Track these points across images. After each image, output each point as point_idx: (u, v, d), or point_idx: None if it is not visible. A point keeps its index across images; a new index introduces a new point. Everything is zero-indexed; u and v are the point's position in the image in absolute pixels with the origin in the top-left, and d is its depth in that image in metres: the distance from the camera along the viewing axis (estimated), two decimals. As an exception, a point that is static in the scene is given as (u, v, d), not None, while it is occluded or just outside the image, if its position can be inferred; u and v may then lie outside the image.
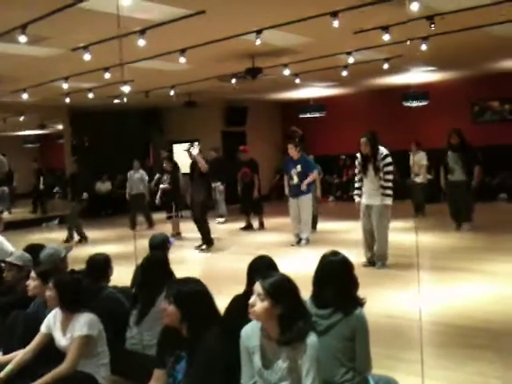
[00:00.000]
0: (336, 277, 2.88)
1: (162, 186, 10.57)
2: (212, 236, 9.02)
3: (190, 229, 10.14)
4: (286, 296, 2.52)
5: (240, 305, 3.20)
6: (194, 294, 2.78)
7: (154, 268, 3.70)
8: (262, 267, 3.16)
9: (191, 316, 2.72)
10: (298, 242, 8.78)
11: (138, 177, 11.61)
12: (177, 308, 2.71)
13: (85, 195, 10.44)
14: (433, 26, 6.60)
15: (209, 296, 2.84)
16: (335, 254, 3.00)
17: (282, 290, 2.53)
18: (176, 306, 2.72)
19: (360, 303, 2.87)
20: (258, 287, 2.54)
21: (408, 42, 7.55)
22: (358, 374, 2.78)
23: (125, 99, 11.29)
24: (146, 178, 11.72)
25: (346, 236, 9.09)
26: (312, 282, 2.96)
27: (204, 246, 8.88)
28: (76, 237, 10.40)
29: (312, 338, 2.51)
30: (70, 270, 4.51)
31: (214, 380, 2.59)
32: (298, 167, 8.76)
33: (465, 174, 9.01)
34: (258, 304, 2.51)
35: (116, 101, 12.58)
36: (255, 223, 10.95)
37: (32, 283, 3.74)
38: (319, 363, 2.50)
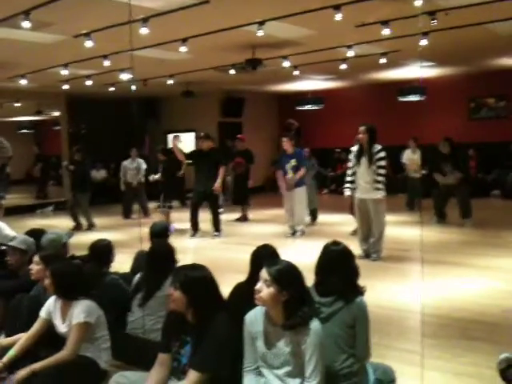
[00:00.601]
0: (338, 266, 2.95)
1: (155, 176, 10.48)
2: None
3: (179, 218, 10.19)
4: (292, 282, 2.60)
5: (242, 292, 3.27)
6: (201, 279, 2.83)
7: (163, 254, 3.76)
8: (265, 255, 3.22)
9: (197, 301, 2.76)
10: (293, 233, 8.86)
11: (135, 166, 11.60)
12: (183, 293, 2.76)
13: (71, 167, 10.43)
14: (434, 21, 6.63)
15: (214, 282, 2.89)
16: (336, 243, 3.08)
17: (287, 276, 2.60)
18: (182, 291, 2.76)
19: (360, 291, 2.95)
20: (264, 273, 2.61)
21: (411, 37, 7.60)
22: (358, 361, 2.86)
23: (133, 87, 11.23)
24: (144, 166, 11.69)
25: (340, 228, 9.16)
26: (314, 271, 3.03)
27: (217, 232, 9.13)
28: (85, 223, 10.38)
29: (315, 324, 2.58)
30: (70, 256, 4.56)
31: (223, 365, 2.65)
32: (293, 161, 8.76)
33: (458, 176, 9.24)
34: (264, 290, 2.58)
35: (112, 89, 12.57)
36: (250, 214, 10.96)
37: (35, 267, 3.77)
38: (322, 348, 2.57)
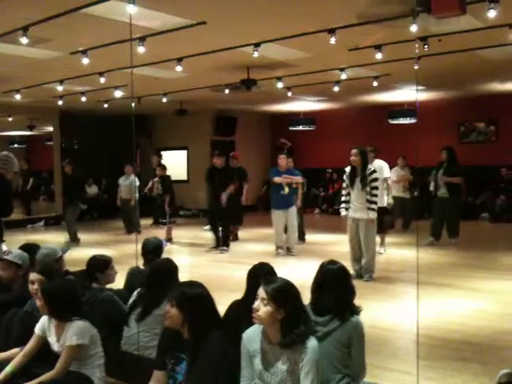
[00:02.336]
0: (334, 285, 2.97)
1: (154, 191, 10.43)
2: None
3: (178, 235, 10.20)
4: (289, 300, 2.61)
5: (239, 310, 3.29)
6: (197, 297, 2.83)
7: (165, 272, 3.73)
8: (262, 274, 3.23)
9: (193, 319, 2.77)
10: (279, 250, 8.87)
11: (128, 182, 11.58)
12: (179, 310, 2.77)
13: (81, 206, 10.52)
14: (426, 47, 6.78)
15: (211, 300, 2.90)
16: (333, 262, 3.11)
17: (284, 294, 2.62)
18: (179, 308, 2.77)
19: (356, 311, 2.97)
20: (261, 292, 2.62)
21: (402, 61, 7.74)
22: (353, 381, 2.88)
23: (132, 104, 11.28)
24: (137, 183, 11.67)
25: (332, 248, 9.19)
26: (311, 290, 3.05)
27: (226, 247, 9.44)
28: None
29: (312, 342, 2.60)
30: (64, 271, 4.53)
31: (218, 382, 2.65)
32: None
33: (449, 191, 9.32)
34: (261, 308, 2.59)
35: (105, 105, 12.62)
36: (239, 233, 10.90)
37: (37, 286, 3.68)
38: (319, 367, 2.58)
